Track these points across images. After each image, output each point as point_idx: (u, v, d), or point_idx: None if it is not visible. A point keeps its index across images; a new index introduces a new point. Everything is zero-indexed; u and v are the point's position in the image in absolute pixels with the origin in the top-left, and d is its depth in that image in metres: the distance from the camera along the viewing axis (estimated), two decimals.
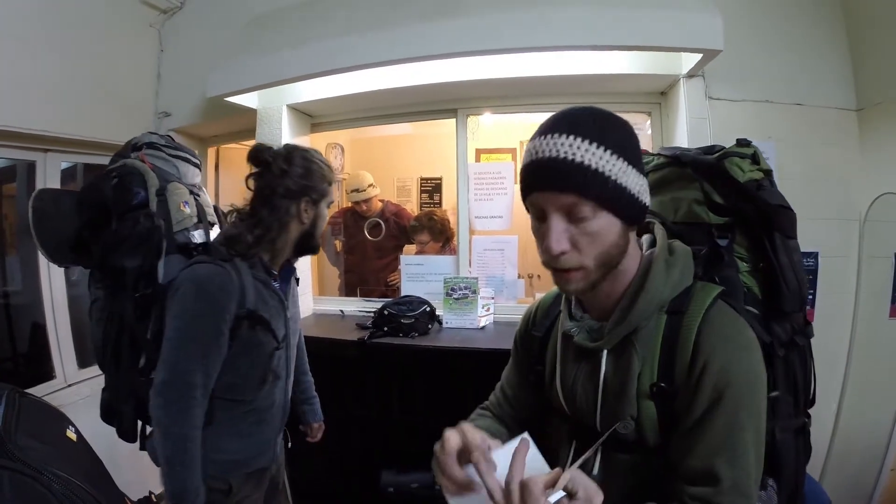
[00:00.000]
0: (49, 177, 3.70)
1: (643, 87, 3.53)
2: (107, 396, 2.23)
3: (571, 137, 1.08)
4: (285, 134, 3.89)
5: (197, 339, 1.87)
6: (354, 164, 6.18)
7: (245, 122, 4.09)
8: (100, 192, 2.08)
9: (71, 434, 2.02)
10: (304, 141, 4.17)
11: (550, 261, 1.13)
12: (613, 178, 1.09)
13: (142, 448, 2.22)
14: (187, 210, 2.17)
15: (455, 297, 3.54)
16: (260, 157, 2.07)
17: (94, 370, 3.84)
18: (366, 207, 5.13)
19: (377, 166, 6.01)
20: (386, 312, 3.41)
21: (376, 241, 5.15)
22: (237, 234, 2.02)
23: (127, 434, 2.19)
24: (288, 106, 3.91)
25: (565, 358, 1.37)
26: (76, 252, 2.16)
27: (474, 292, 3.54)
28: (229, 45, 3.89)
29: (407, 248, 5.00)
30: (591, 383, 1.28)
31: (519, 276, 3.94)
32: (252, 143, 3.92)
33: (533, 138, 1.15)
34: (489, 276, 3.88)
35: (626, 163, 1.11)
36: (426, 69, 3.39)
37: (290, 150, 2.10)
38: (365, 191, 5.03)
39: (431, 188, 6.52)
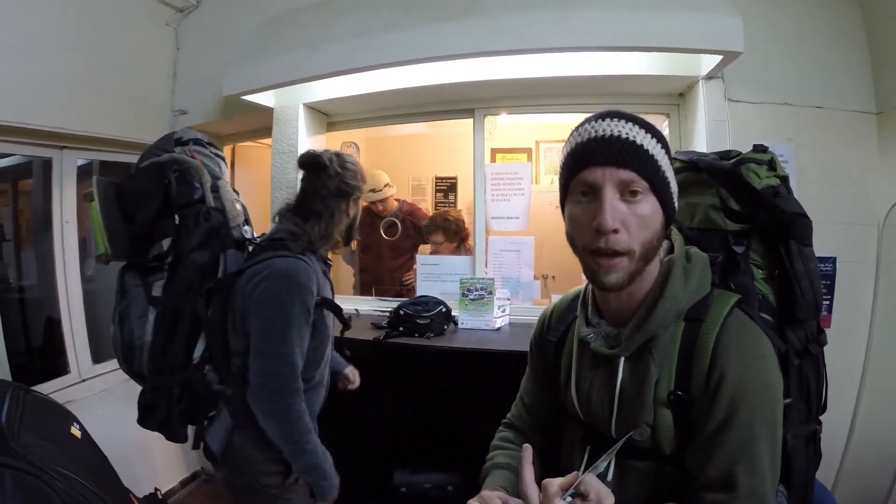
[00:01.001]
0: (65, 174, 3.72)
1: (661, 89, 3.51)
2: (149, 399, 2.20)
3: (630, 124, 1.14)
4: (301, 133, 3.90)
5: (293, 324, 2.04)
6: (370, 163, 6.18)
7: (261, 120, 4.10)
8: (162, 184, 2.15)
9: (75, 431, 2.03)
10: (320, 140, 4.19)
11: (597, 240, 1.11)
12: (663, 168, 1.14)
13: (195, 447, 2.26)
14: (238, 207, 2.32)
15: (471, 297, 3.54)
16: (316, 161, 2.28)
17: (109, 365, 3.89)
18: (381, 207, 5.13)
19: (392, 165, 6.02)
20: (402, 312, 3.41)
21: (391, 241, 5.15)
22: (302, 232, 2.23)
23: (177, 435, 2.21)
24: (304, 105, 3.91)
25: (581, 364, 1.37)
26: (133, 245, 2.18)
27: (490, 293, 3.53)
28: (246, 43, 3.90)
29: (422, 247, 4.99)
30: (606, 390, 1.28)
31: (535, 278, 3.94)
32: (268, 141, 3.94)
33: (585, 123, 1.18)
34: (505, 277, 3.87)
35: (669, 161, 1.17)
36: (443, 69, 3.38)
37: (338, 155, 2.33)
38: (381, 191, 5.04)
39: (446, 188, 6.53)
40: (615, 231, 1.09)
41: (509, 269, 3.89)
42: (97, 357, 3.92)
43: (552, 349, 1.51)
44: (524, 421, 1.61)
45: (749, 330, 1.17)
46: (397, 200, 5.30)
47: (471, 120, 3.93)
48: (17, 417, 1.71)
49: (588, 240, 1.13)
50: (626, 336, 1.22)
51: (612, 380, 1.25)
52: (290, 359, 2.02)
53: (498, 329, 3.52)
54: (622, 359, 1.24)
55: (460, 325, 3.56)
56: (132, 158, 4.18)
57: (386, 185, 5.07)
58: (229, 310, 2.13)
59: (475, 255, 3.95)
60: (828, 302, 3.02)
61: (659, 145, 1.15)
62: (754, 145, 1.57)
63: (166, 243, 2.14)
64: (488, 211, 3.88)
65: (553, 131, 6.04)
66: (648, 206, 1.12)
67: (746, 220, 1.44)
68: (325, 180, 2.25)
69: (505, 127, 5.20)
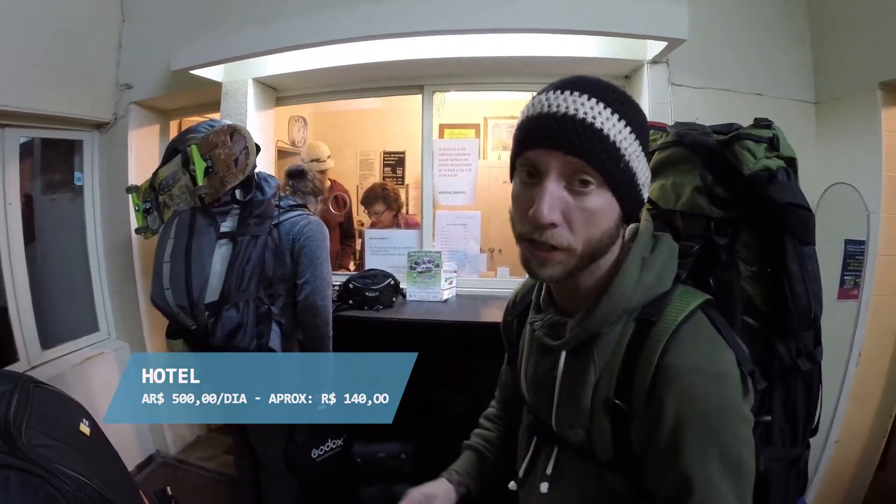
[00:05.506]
0: (7, 153, 3.59)
1: (608, 71, 3.54)
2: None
3: (594, 100, 0.94)
4: (250, 107, 3.88)
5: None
6: (317, 138, 6.11)
7: (209, 95, 4.04)
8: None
9: (84, 428, 2.01)
10: (269, 115, 4.17)
11: (533, 231, 0.95)
12: (627, 158, 0.96)
13: None
14: None
15: (419, 270, 3.62)
16: (300, 169, 3.20)
17: (59, 350, 3.86)
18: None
19: (340, 140, 6.04)
20: (351, 286, 3.46)
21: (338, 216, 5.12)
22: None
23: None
24: (254, 79, 3.89)
25: (530, 350, 1.25)
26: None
27: (437, 266, 3.62)
28: (195, 16, 3.84)
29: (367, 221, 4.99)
30: (547, 382, 1.15)
31: (481, 251, 4.06)
32: (216, 115, 3.89)
33: (543, 92, 1.00)
34: (452, 250, 3.95)
35: (640, 148, 0.99)
36: (394, 46, 3.42)
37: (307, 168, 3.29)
38: (325, 161, 5.01)
39: (394, 162, 6.55)
40: (553, 225, 0.94)
41: (456, 243, 3.97)
42: (46, 342, 3.80)
43: (513, 330, 1.40)
44: (497, 398, 1.59)
45: (707, 340, 0.99)
46: (330, 180, 5.26)
47: (420, 96, 3.97)
48: (25, 414, 1.67)
49: (525, 228, 0.98)
50: (570, 329, 1.08)
51: (554, 372, 1.13)
52: (329, 274, 2.86)
53: (445, 301, 3.61)
54: (563, 352, 1.11)
55: (409, 298, 3.64)
56: (76, 136, 4.08)
57: (329, 157, 5.06)
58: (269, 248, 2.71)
59: (423, 228, 4.02)
60: None
61: (628, 128, 0.96)
62: (756, 119, 1.29)
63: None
64: (436, 186, 3.95)
65: (501, 108, 6.10)
66: (600, 200, 0.95)
67: (733, 208, 1.22)
68: (305, 183, 3.13)
69: (453, 103, 5.21)
